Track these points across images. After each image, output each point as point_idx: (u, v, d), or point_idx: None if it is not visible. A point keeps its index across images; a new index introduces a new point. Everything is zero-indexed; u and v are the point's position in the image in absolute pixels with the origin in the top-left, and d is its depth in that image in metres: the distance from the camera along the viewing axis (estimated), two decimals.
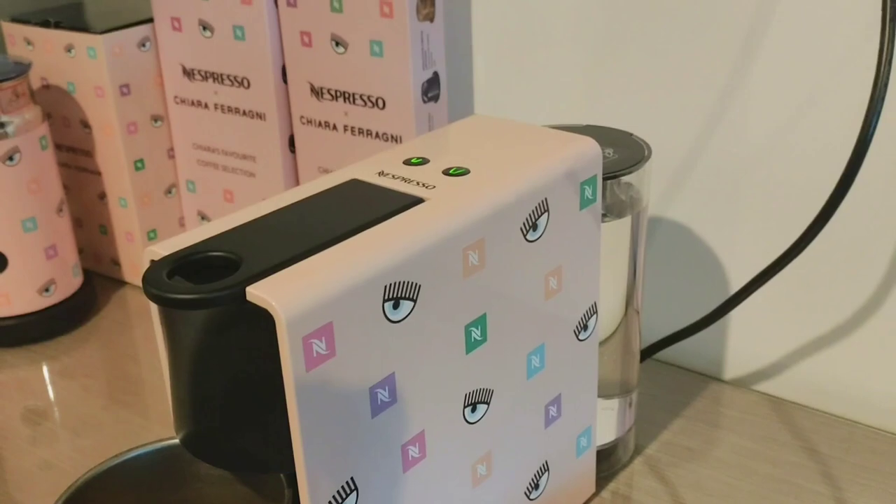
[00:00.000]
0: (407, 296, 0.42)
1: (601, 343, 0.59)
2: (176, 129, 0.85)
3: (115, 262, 0.90)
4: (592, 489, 0.61)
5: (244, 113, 0.80)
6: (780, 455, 0.64)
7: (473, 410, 0.48)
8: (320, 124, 0.76)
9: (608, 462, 0.63)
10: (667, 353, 0.73)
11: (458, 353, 0.46)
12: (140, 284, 0.88)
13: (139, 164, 0.84)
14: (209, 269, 0.40)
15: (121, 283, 0.91)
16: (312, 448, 0.40)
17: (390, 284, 0.41)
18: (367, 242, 0.42)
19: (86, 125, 0.84)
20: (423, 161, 0.50)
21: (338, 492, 0.42)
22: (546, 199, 0.48)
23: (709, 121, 0.67)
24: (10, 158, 0.76)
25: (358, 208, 0.45)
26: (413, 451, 0.45)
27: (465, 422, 0.48)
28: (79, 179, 0.88)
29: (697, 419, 0.68)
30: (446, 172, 0.48)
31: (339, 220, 0.43)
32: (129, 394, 0.75)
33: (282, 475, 0.42)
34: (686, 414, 0.69)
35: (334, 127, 0.76)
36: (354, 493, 0.43)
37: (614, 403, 0.62)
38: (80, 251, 0.86)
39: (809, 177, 0.65)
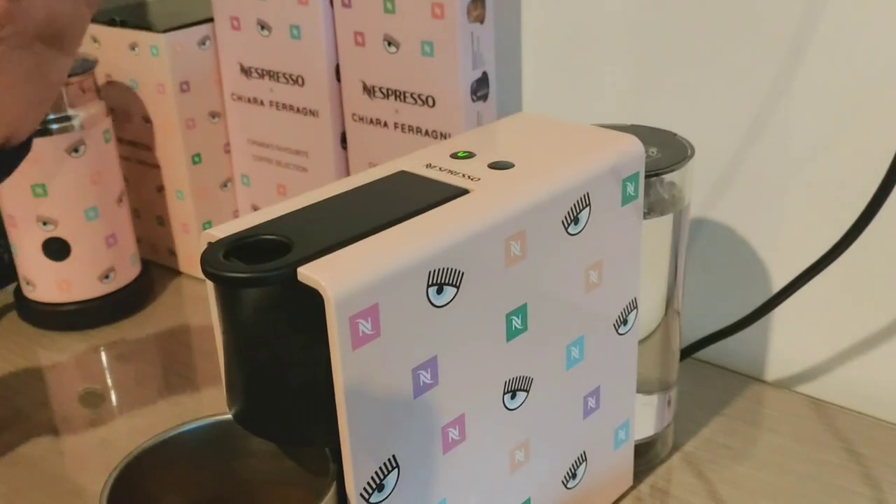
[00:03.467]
0: (450, 282, 0.44)
1: (641, 341, 0.60)
2: (232, 124, 0.88)
3: (172, 252, 0.93)
4: (630, 482, 0.62)
5: (298, 110, 0.82)
6: (821, 455, 0.65)
7: (513, 397, 0.50)
8: (371, 121, 0.78)
9: (646, 457, 0.64)
10: (708, 353, 0.74)
11: (499, 341, 0.48)
12: (196, 275, 0.91)
13: (196, 159, 0.87)
14: (262, 252, 0.42)
15: (176, 272, 0.94)
16: (356, 424, 0.42)
17: (434, 270, 0.43)
18: (414, 230, 0.44)
19: (147, 120, 0.87)
20: (470, 155, 0.51)
21: (380, 468, 0.43)
22: (588, 194, 0.50)
23: (753, 122, 0.68)
24: (76, 150, 0.79)
25: (405, 198, 0.46)
26: (453, 434, 0.47)
27: (504, 408, 0.49)
28: (138, 172, 0.91)
29: (737, 418, 0.69)
30: (491, 166, 0.50)
31: (386, 208, 0.45)
32: (182, 377, 0.77)
33: (327, 450, 0.44)
34: (726, 413, 0.69)
35: (385, 124, 0.78)
36: (396, 470, 0.44)
37: (653, 399, 0.63)
38: (138, 241, 0.89)
39: (853, 177, 0.65)
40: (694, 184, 0.66)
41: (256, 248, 0.42)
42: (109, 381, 0.77)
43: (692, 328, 0.74)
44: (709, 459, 0.65)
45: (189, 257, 0.91)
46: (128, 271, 0.86)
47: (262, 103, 0.85)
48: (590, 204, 0.50)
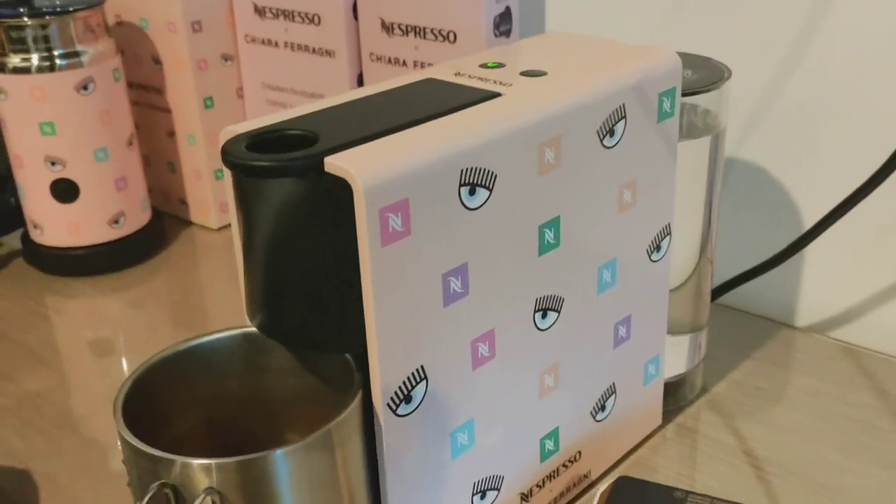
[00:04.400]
0: (483, 183, 0.41)
1: (673, 290, 0.57)
2: (246, 68, 0.86)
3: (183, 202, 0.91)
4: (658, 421, 0.60)
5: (314, 51, 0.80)
6: (856, 397, 0.62)
7: (544, 316, 0.48)
8: (390, 60, 0.76)
9: (675, 397, 0.62)
10: (738, 299, 0.72)
11: (530, 254, 0.45)
12: (207, 224, 0.89)
13: (208, 102, 0.85)
14: (287, 148, 0.39)
15: (187, 223, 0.92)
16: (384, 329, 0.39)
17: (467, 169, 0.41)
18: (446, 126, 0.41)
19: (157, 61, 0.85)
20: (500, 65, 0.49)
21: (408, 378, 0.41)
22: (623, 105, 0.47)
23: (788, 57, 0.66)
24: (85, 88, 0.77)
25: (435, 100, 0.44)
26: (483, 349, 0.45)
27: (535, 327, 0.47)
28: (148, 117, 0.89)
29: (768, 361, 0.67)
30: (523, 74, 0.48)
31: (416, 108, 0.43)
32: (193, 328, 0.75)
33: (351, 359, 0.42)
34: (756, 356, 0.67)
35: (404, 63, 0.75)
36: (424, 382, 0.42)
37: (683, 340, 0.61)
38: (149, 191, 0.87)
39: (888, 116, 0.63)
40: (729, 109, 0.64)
41: (280, 143, 0.40)
42: (120, 328, 0.75)
43: (721, 269, 0.71)
44: (739, 401, 0.63)
45: (201, 205, 0.89)
46: (138, 217, 0.84)
47: (276, 44, 0.82)
48: (625, 116, 0.48)
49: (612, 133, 0.47)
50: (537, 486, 0.51)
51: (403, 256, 0.39)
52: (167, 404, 0.44)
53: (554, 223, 0.46)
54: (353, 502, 0.41)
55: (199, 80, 0.84)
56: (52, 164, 0.78)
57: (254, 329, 0.44)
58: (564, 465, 0.53)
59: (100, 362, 0.70)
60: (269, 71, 0.84)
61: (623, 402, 0.55)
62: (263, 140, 0.40)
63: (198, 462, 0.37)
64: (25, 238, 0.84)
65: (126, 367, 0.70)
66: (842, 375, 0.65)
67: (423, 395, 0.42)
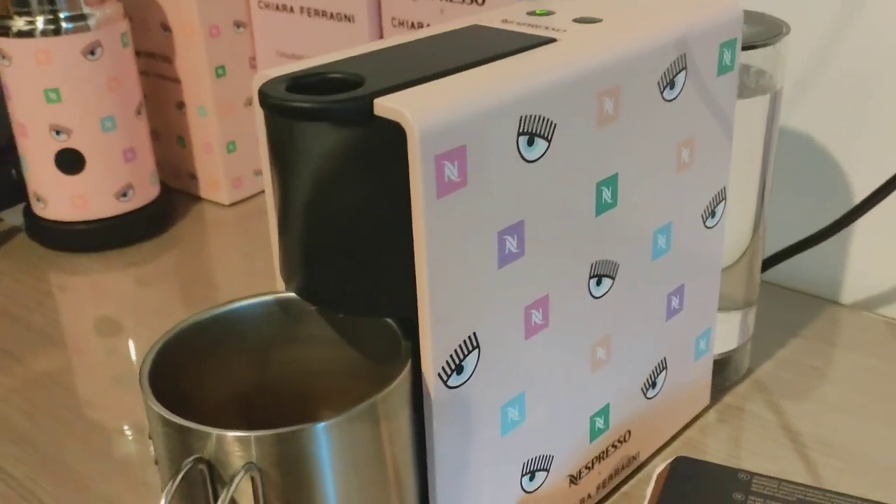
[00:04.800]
0: (542, 133, 0.38)
1: (725, 269, 0.54)
2: (259, 35, 0.82)
3: (193, 176, 0.87)
4: (707, 400, 0.57)
5: (332, 16, 0.76)
6: None
7: (598, 283, 0.44)
8: (413, 25, 0.72)
9: (722, 375, 0.58)
10: (784, 276, 0.68)
11: (587, 214, 0.42)
12: (218, 200, 0.85)
13: (220, 71, 0.81)
14: (328, 92, 0.36)
15: (197, 198, 0.88)
16: (437, 290, 0.36)
17: (526, 116, 0.37)
18: (501, 70, 0.38)
19: (166, 28, 0.81)
20: (549, 13, 0.45)
21: (460, 346, 0.38)
22: (684, 55, 0.44)
23: (845, 20, 0.62)
24: (92, 53, 0.73)
25: (484, 45, 0.41)
26: (536, 317, 0.41)
27: (589, 294, 0.44)
28: (157, 87, 0.85)
29: (817, 339, 0.63)
30: (577, 20, 0.44)
31: (465, 52, 0.39)
32: (206, 302, 0.71)
33: (395, 326, 0.38)
34: (804, 334, 0.64)
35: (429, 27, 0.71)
36: (476, 351, 0.39)
37: (730, 317, 0.57)
38: (158, 165, 0.83)
39: None
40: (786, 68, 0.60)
41: (321, 88, 0.36)
42: (128, 305, 0.71)
43: (767, 241, 0.68)
44: (788, 380, 0.59)
45: (211, 181, 0.86)
46: (147, 190, 0.80)
47: (291, 10, 0.79)
48: (686, 67, 0.44)
49: (672, 85, 0.44)
50: (586, 467, 0.48)
51: (459, 210, 0.36)
52: (193, 377, 0.40)
53: (612, 181, 0.42)
54: (398, 480, 0.38)
55: (210, 48, 0.80)
56: (57, 133, 0.74)
57: (288, 295, 0.41)
58: (614, 446, 0.49)
59: (106, 342, 0.67)
60: (284, 38, 0.80)
61: (673, 378, 0.52)
62: (303, 84, 0.37)
63: (236, 435, 0.33)
64: (28, 212, 0.80)
65: (133, 348, 0.66)
66: (891, 352, 0.61)
67: (474, 365, 0.39)
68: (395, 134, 0.34)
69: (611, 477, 0.50)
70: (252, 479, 0.33)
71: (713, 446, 0.54)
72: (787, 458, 0.53)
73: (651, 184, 0.45)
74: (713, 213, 0.50)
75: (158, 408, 0.34)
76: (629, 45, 0.41)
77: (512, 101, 0.36)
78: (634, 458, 0.52)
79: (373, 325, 0.40)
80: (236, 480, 0.32)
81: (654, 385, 0.51)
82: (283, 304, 0.41)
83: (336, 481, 0.35)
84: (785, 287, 0.69)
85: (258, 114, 0.39)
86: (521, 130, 0.37)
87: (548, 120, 0.38)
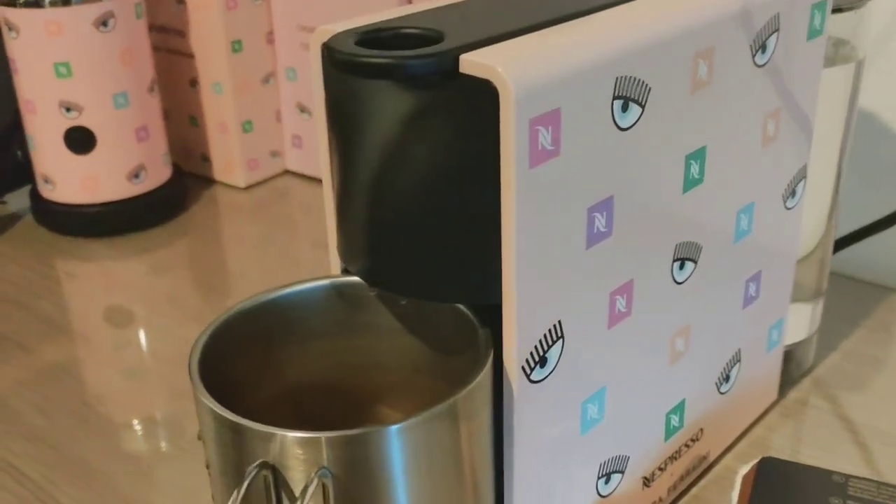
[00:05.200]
0: (637, 98, 0.34)
1: (798, 261, 0.50)
2: (278, 8, 0.78)
3: (206, 158, 0.82)
4: (775, 394, 0.53)
5: None
6: None
7: (682, 267, 0.40)
8: None
9: (787, 368, 0.54)
10: (846, 264, 0.64)
11: (675, 190, 0.38)
12: (233, 183, 0.81)
13: (237, 46, 0.77)
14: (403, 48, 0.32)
15: (210, 181, 0.84)
16: (525, 272, 0.32)
17: (622, 78, 0.33)
18: (595, 26, 0.34)
19: (180, 0, 0.77)
20: None
21: (545, 336, 0.34)
22: (778, 15, 0.40)
23: None
24: (104, 24, 0.68)
25: (567, 2, 0.36)
26: (620, 304, 0.37)
27: (672, 280, 0.40)
28: (169, 64, 0.80)
29: (881, 330, 0.59)
30: None
31: (550, 6, 0.35)
32: (221, 291, 0.67)
33: (470, 313, 0.34)
34: (868, 325, 0.60)
35: None
36: (560, 342, 0.35)
37: (800, 307, 0.53)
38: (168, 146, 0.79)
39: None
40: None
41: (395, 44, 0.32)
42: (137, 297, 0.67)
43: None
44: (853, 372, 0.55)
45: (226, 162, 0.81)
46: (159, 172, 0.75)
47: None
48: (779, 28, 0.40)
49: (763, 48, 0.40)
50: (659, 468, 0.44)
51: (550, 183, 0.31)
52: (241, 371, 0.36)
53: (700, 154, 0.39)
54: (475, 484, 0.34)
55: (227, 21, 0.75)
56: (67, 110, 0.69)
57: (345, 279, 0.37)
58: (686, 445, 0.45)
59: (116, 333, 0.62)
60: (305, 11, 0.76)
61: (746, 371, 0.48)
62: (374, 40, 0.32)
63: (306, 436, 0.29)
64: (35, 195, 0.75)
65: (144, 339, 0.62)
66: None
67: (558, 357, 0.35)
68: (482, 95, 0.30)
69: (681, 478, 0.46)
70: (324, 485, 0.29)
71: (782, 443, 0.51)
72: (860, 456, 0.49)
73: (737, 159, 0.41)
74: (793, 193, 0.46)
75: (214, 405, 0.30)
76: (724, 2, 0.37)
77: (608, 61, 0.32)
78: (705, 457, 0.48)
79: (440, 312, 0.36)
80: (311, 488, 0.28)
81: (727, 379, 0.47)
82: (339, 290, 0.37)
83: (410, 486, 0.31)
84: (849, 276, 0.65)
85: (316, 75, 0.34)
86: (616, 94, 0.33)
87: (643, 83, 0.34)
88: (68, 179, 0.72)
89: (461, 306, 0.35)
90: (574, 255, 0.34)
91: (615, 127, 0.33)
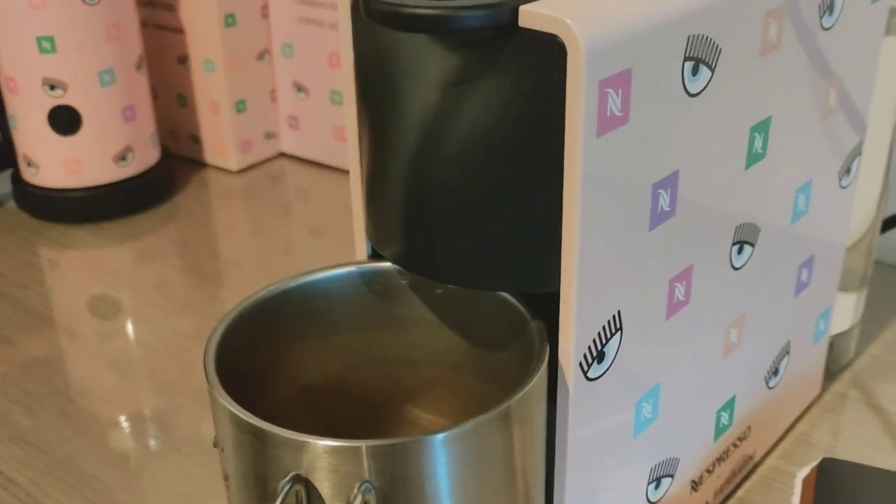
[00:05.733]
0: (707, 60, 0.30)
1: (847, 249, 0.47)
2: None
3: (195, 140, 0.78)
4: (819, 388, 0.49)
5: None
6: None
7: (740, 251, 0.36)
8: None
9: (829, 360, 0.51)
10: (883, 252, 0.61)
11: (738, 165, 0.34)
12: (225, 166, 0.76)
13: (230, 20, 0.72)
14: None
15: (200, 164, 0.79)
16: (588, 256, 0.28)
17: (694, 37, 0.29)
18: None
19: None
20: None
21: (603, 328, 0.30)
22: None
23: None
24: None
25: None
26: (679, 292, 0.33)
27: (730, 265, 0.36)
28: (155, 40, 0.76)
29: None
30: None
31: None
32: (213, 280, 0.63)
33: (520, 305, 0.31)
34: None
35: None
36: (618, 334, 0.31)
37: (845, 297, 0.50)
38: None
39: None
40: None
41: None
42: (124, 286, 0.63)
43: None
44: None
45: (218, 144, 0.77)
46: (147, 154, 0.71)
47: None
48: None
49: (830, 10, 0.36)
50: (707, 471, 0.40)
51: (617, 154, 0.28)
52: (255, 367, 0.32)
53: (764, 126, 0.35)
54: (527, 496, 0.30)
55: None
56: (51, 88, 0.65)
57: (373, 266, 0.33)
58: (734, 444, 0.42)
59: (102, 325, 0.58)
60: None
61: (794, 364, 0.45)
62: None
63: (345, 445, 0.25)
64: (16, 179, 0.71)
65: (132, 330, 0.58)
66: None
67: (615, 351, 0.31)
68: (545, 52, 0.26)
69: (727, 481, 0.43)
70: (364, 501, 0.25)
71: (824, 440, 0.47)
72: None
73: (799, 132, 0.37)
74: (848, 171, 0.43)
75: (237, 410, 0.26)
76: None
77: (681, 17, 0.28)
78: (751, 457, 0.44)
79: (482, 302, 0.32)
80: None
81: (776, 373, 0.43)
82: (367, 277, 0.33)
83: (457, 500, 0.28)
84: (885, 263, 0.62)
85: (345, 31, 0.30)
86: (687, 54, 0.29)
87: (714, 44, 0.30)
88: (52, 162, 0.68)
89: (508, 295, 0.31)
90: (637, 237, 0.30)
91: (685, 92, 0.30)
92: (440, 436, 0.26)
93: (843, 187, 0.43)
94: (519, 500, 0.29)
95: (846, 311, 0.50)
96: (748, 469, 0.44)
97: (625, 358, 0.32)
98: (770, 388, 0.43)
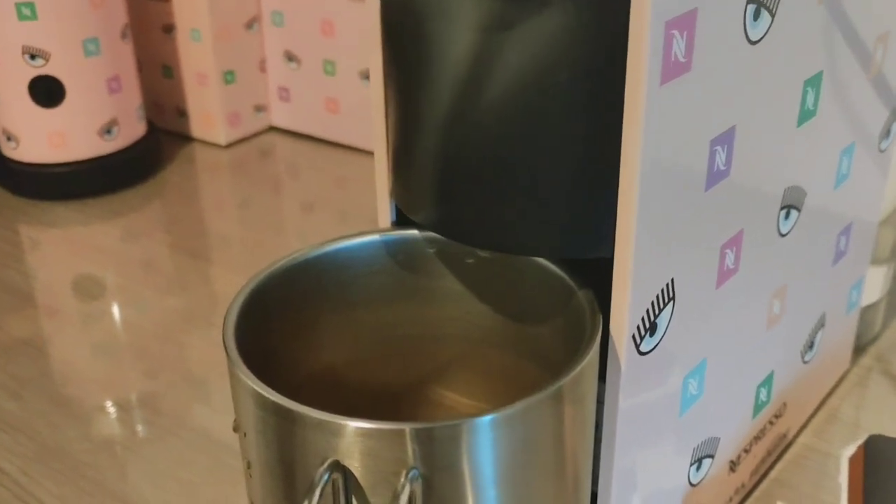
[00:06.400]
0: (767, 3, 0.28)
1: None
2: None
3: (181, 113, 0.75)
4: (848, 362, 0.47)
5: None
6: None
7: (787, 216, 0.34)
8: None
9: (857, 331, 0.49)
10: None
11: (790, 122, 0.32)
12: (214, 140, 0.73)
13: None
14: None
15: (186, 138, 0.76)
16: (647, 218, 0.26)
17: None
18: None
19: None
20: None
21: (657, 297, 0.28)
22: None
23: None
24: None
25: None
26: (729, 259, 0.31)
27: (777, 231, 0.34)
28: (140, 8, 0.73)
29: None
30: None
31: None
32: (201, 259, 0.60)
33: (564, 273, 0.28)
34: None
35: None
36: (671, 304, 0.28)
37: (874, 268, 0.48)
38: None
39: None
40: None
41: None
42: (110, 266, 0.60)
43: None
44: None
45: (205, 117, 0.74)
46: (133, 127, 0.68)
47: None
48: None
49: None
50: (745, 450, 0.38)
51: (679, 105, 0.25)
52: (272, 344, 0.29)
53: (816, 81, 0.32)
54: (576, 479, 0.27)
55: None
56: (32, 57, 0.62)
57: (399, 233, 0.30)
58: (770, 422, 0.40)
59: (87, 305, 0.55)
60: None
61: (828, 337, 0.42)
62: None
63: (387, 428, 0.23)
64: None
65: (118, 310, 0.55)
66: None
67: (667, 322, 0.29)
68: None
69: (762, 461, 0.41)
70: (412, 491, 0.23)
71: (856, 416, 0.45)
72: None
73: (847, 89, 0.35)
74: (888, 133, 0.40)
75: (264, 390, 0.24)
76: None
77: None
78: (784, 435, 0.42)
79: (518, 271, 0.30)
80: (404, 496, 0.22)
81: (811, 346, 0.41)
82: (391, 247, 0.31)
83: (503, 485, 0.25)
84: None
85: None
86: None
87: None
88: (33, 136, 0.64)
89: (549, 263, 0.29)
90: (694, 198, 0.28)
91: (745, 39, 0.27)
92: (488, 417, 0.24)
93: (881, 151, 0.41)
94: (568, 485, 0.27)
95: (875, 283, 0.48)
96: (782, 447, 0.42)
97: (675, 330, 0.29)
98: (805, 362, 0.41)
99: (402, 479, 0.22)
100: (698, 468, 0.35)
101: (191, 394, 0.47)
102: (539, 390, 0.24)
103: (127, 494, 0.41)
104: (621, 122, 0.24)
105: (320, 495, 0.22)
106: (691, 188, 0.27)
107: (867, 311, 0.49)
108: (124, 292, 0.57)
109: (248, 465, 0.26)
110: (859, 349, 0.49)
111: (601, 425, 0.29)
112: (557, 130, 0.25)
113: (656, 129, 0.25)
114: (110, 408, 0.47)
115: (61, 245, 0.62)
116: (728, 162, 0.29)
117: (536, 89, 0.25)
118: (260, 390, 0.24)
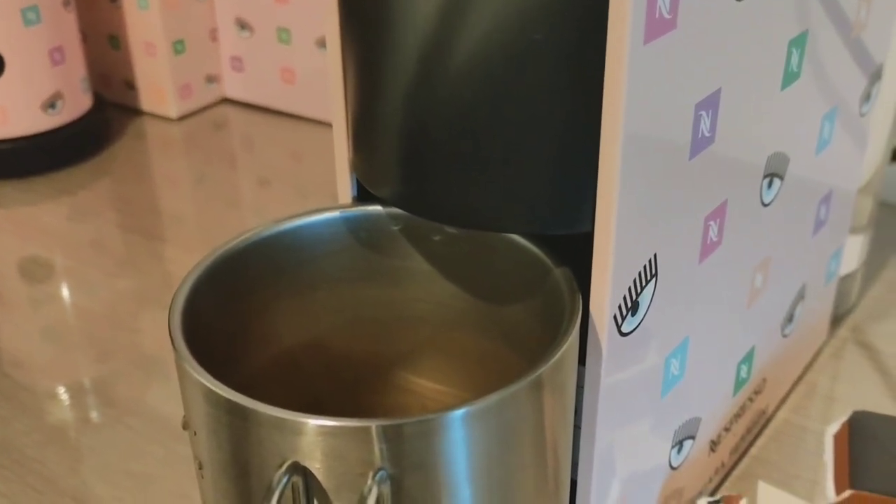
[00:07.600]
0: None
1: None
2: None
3: (130, 85, 0.72)
4: (825, 333, 0.46)
5: None
6: None
7: (770, 185, 0.32)
8: None
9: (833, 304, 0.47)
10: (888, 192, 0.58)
11: (774, 84, 0.30)
12: (164, 113, 0.70)
13: None
14: None
15: (135, 111, 0.73)
16: (629, 189, 0.24)
17: None
18: None
19: None
20: None
21: (639, 274, 0.26)
22: None
23: None
24: None
25: None
26: (712, 231, 0.29)
27: (759, 201, 0.32)
28: None
29: None
30: None
31: None
32: (154, 237, 0.57)
33: (539, 251, 0.26)
34: None
35: None
36: (653, 281, 0.27)
37: (852, 238, 0.46)
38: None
39: None
40: None
41: None
42: (57, 246, 0.57)
43: None
44: None
45: (154, 90, 0.71)
46: (78, 100, 0.65)
47: None
48: None
49: None
50: (725, 429, 0.37)
51: (664, 66, 0.23)
52: (223, 333, 0.27)
53: (801, 41, 0.31)
54: (556, 471, 0.26)
55: None
56: None
57: (360, 210, 0.28)
58: (750, 399, 0.38)
59: (34, 288, 0.52)
60: None
61: (807, 309, 0.41)
62: None
63: (351, 425, 0.21)
64: None
65: (67, 293, 0.52)
66: None
67: (649, 300, 0.27)
68: None
69: (742, 438, 0.39)
70: (380, 493, 0.21)
71: (833, 389, 0.44)
72: None
73: (831, 50, 0.33)
74: (868, 96, 0.39)
75: (216, 386, 0.21)
76: None
77: None
78: (763, 412, 0.41)
79: (489, 249, 0.28)
80: (371, 499, 0.20)
81: (791, 319, 0.40)
82: (353, 224, 0.28)
83: (479, 481, 0.23)
84: (889, 203, 0.58)
85: None
86: None
87: None
88: None
89: (522, 239, 0.27)
90: (678, 167, 0.26)
91: None
92: (461, 411, 0.22)
93: (862, 115, 0.39)
94: (548, 477, 0.25)
95: (853, 252, 0.46)
96: (760, 425, 0.41)
97: (658, 309, 0.27)
98: (784, 335, 0.40)
99: (369, 481, 0.20)
100: (679, 450, 0.33)
101: (143, 379, 0.45)
102: (516, 379, 0.22)
103: (78, 490, 0.39)
104: (602, 85, 0.22)
105: (279, 500, 0.20)
106: (675, 156, 0.25)
107: (844, 281, 0.47)
108: (73, 274, 0.54)
109: (200, 466, 0.24)
110: (836, 320, 0.48)
111: (580, 411, 0.27)
112: (532, 95, 0.23)
113: (640, 93, 0.23)
114: (61, 396, 0.44)
115: (5, 226, 0.59)
116: (713, 128, 0.27)
117: (509, 50, 0.23)
118: (210, 385, 0.22)
